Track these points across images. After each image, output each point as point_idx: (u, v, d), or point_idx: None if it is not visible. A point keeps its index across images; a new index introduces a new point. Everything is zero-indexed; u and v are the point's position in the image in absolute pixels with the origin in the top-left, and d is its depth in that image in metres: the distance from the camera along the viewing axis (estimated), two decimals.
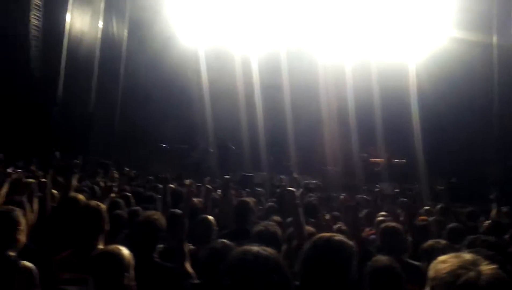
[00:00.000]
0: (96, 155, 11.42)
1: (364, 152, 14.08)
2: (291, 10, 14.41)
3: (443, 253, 1.72)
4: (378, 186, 6.93)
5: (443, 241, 3.14)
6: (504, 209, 5.85)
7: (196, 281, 2.85)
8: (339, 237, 2.14)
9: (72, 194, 4.21)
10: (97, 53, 12.92)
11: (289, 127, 14.21)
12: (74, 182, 4.79)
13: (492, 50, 12.65)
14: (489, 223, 4.34)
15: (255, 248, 1.63)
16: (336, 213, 6.02)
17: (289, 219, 4.05)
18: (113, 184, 5.23)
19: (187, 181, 4.59)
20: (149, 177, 8.84)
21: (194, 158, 13.99)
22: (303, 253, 2.15)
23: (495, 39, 12.58)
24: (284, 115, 14.37)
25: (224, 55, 14.93)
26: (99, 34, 13.07)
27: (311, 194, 6.96)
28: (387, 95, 13.94)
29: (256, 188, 8.44)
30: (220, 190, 6.30)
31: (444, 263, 1.22)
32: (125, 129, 13.83)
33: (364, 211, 5.76)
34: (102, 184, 5.64)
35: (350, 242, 2.13)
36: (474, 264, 1.17)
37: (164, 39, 14.60)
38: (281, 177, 11.55)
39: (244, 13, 14.65)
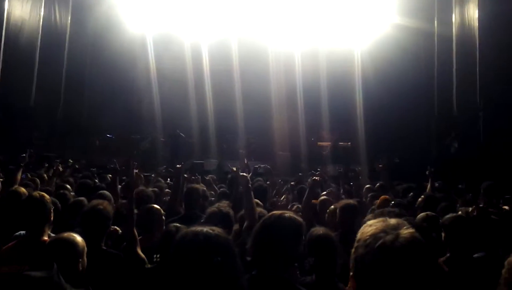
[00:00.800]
0: (40, 148, 11.00)
1: (312, 136, 14.50)
2: None
3: None
4: (318, 169, 7.22)
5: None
6: (437, 183, 6.28)
7: (148, 265, 2.93)
8: (288, 213, 2.31)
9: (15, 187, 4.12)
10: (39, 41, 12.29)
11: (239, 114, 14.32)
12: (18, 176, 4.68)
13: (433, 37, 13.27)
14: (423, 197, 4.67)
15: (203, 228, 1.69)
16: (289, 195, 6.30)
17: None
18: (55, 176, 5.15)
19: (136, 170, 4.57)
20: (92, 169, 8.65)
21: (144, 147, 13.79)
22: (255, 229, 2.31)
23: (436, 27, 13.19)
24: (234, 102, 14.46)
25: (172, 41, 14.71)
26: (41, 22, 12.42)
27: (259, 178, 7.14)
28: (334, 80, 14.40)
29: (206, 175, 8.51)
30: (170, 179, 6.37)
31: (369, 226, 1.30)
32: (69, 120, 13.35)
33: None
34: (45, 177, 5.53)
35: (299, 218, 2.30)
36: (395, 228, 1.25)
37: (108, 25, 14.15)
38: (231, 164, 11.73)
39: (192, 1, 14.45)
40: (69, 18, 13.90)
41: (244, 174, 3.95)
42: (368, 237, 1.27)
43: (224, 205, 3.61)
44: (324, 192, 5.78)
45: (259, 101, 14.35)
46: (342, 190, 6.60)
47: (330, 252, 2.62)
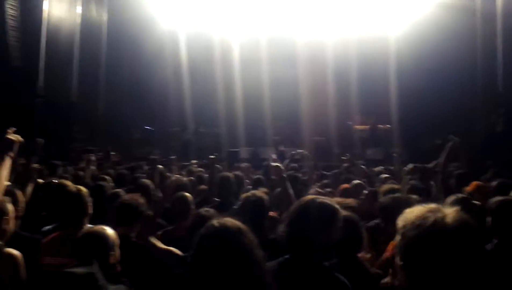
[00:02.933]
0: (81, 142, 11.40)
1: (347, 120, 14.24)
2: None
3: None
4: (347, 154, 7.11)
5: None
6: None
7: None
8: (321, 198, 2.29)
9: (56, 180, 4.28)
10: (77, 39, 12.68)
11: (269, 101, 14.25)
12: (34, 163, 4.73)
13: (475, 13, 12.62)
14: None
15: (222, 220, 1.74)
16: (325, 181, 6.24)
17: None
18: (93, 168, 5.31)
19: (174, 161, 4.67)
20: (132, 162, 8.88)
21: (185, 138, 14.02)
22: (288, 214, 2.32)
23: (478, 4, 12.53)
24: (264, 90, 14.39)
25: (202, 34, 14.79)
26: (78, 20, 12.79)
27: (294, 164, 7.10)
28: (367, 63, 14.00)
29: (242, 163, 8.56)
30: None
31: (411, 212, 1.31)
32: (109, 115, 13.74)
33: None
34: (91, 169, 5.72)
35: (333, 203, 2.28)
36: (439, 209, 1.28)
37: (144, 22, 14.37)
38: (265, 151, 11.77)
39: None
40: (105, 15, 14.25)
41: (277, 164, 3.92)
42: (415, 219, 1.27)
43: (259, 191, 3.58)
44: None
45: (289, 87, 14.23)
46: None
47: (355, 234, 2.61)
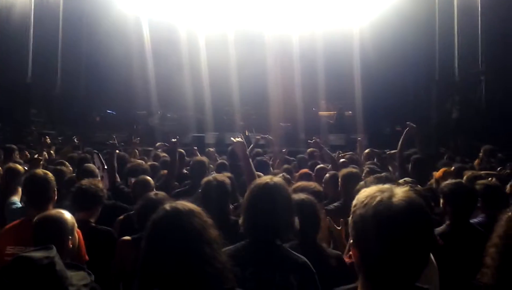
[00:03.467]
0: (38, 125, 10.99)
1: (311, 106, 14.42)
2: None
3: None
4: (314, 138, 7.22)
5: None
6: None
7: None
8: (275, 179, 2.29)
9: (12, 164, 4.13)
10: (32, 17, 12.06)
11: (236, 87, 14.20)
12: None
13: (434, 2, 12.96)
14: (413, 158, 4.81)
15: (174, 203, 1.74)
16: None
17: None
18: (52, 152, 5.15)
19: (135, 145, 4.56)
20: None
21: (151, 123, 13.76)
22: (244, 199, 2.32)
23: None
24: (230, 75, 14.31)
25: (168, 21, 14.45)
26: None
27: (258, 150, 7.15)
28: (331, 49, 14.15)
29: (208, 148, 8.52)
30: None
31: (364, 191, 1.34)
32: (67, 96, 13.26)
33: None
34: (45, 154, 5.53)
35: (286, 185, 2.29)
36: (390, 189, 1.29)
37: (103, 1, 13.86)
38: (231, 136, 11.70)
39: None
40: None
41: (239, 139, 3.89)
42: (364, 198, 1.29)
43: (221, 175, 3.57)
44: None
45: (256, 72, 14.19)
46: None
47: (313, 216, 2.65)
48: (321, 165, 5.42)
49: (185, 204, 1.75)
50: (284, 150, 7.76)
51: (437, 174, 4.60)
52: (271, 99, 14.25)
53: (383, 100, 12.85)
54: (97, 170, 4.27)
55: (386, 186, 1.31)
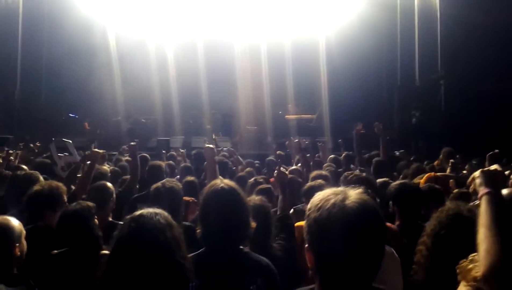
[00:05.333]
0: None
1: (278, 110, 14.51)
2: None
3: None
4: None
5: (320, 181, 3.48)
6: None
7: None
8: (229, 184, 2.25)
9: None
10: None
11: (204, 90, 14.13)
12: None
13: (395, 10, 13.35)
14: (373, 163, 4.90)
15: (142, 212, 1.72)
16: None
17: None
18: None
19: (95, 149, 4.38)
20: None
21: (126, 128, 13.43)
22: (200, 205, 2.29)
23: (398, 0, 13.25)
24: (199, 79, 14.22)
25: (135, 24, 14.19)
26: None
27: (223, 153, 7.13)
28: (298, 54, 14.30)
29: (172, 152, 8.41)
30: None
31: (318, 195, 1.35)
32: (27, 100, 12.80)
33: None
34: None
35: (239, 189, 2.27)
36: (343, 191, 1.31)
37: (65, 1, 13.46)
38: (197, 140, 11.70)
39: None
40: None
41: (210, 145, 3.87)
42: (318, 201, 1.30)
43: (171, 179, 3.48)
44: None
45: (224, 76, 14.18)
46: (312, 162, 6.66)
47: (265, 219, 2.66)
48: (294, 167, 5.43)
49: (150, 217, 1.70)
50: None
51: (422, 181, 4.67)
52: (239, 104, 14.26)
53: (347, 104, 13.10)
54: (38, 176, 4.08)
55: (340, 189, 1.32)
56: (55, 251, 2.59)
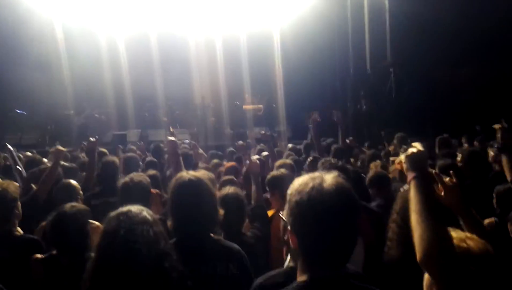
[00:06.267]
0: None
1: (235, 100, 14.55)
2: None
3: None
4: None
5: (282, 170, 3.63)
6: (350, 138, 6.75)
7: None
8: (196, 174, 2.30)
9: None
10: None
11: (159, 82, 13.88)
12: None
13: (346, 2, 13.69)
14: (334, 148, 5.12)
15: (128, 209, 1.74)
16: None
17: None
18: None
19: (59, 147, 4.21)
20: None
21: (79, 122, 12.93)
22: (169, 196, 2.31)
23: None
24: (153, 70, 13.95)
25: (85, 18, 13.62)
26: None
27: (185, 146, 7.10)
28: (254, 45, 14.36)
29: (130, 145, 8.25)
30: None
31: (297, 180, 1.43)
32: None
33: None
34: None
35: (207, 179, 2.32)
36: (320, 176, 1.40)
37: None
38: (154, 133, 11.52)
39: None
40: None
41: (172, 138, 3.84)
42: (298, 186, 1.39)
43: (138, 174, 3.39)
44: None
45: (180, 68, 13.99)
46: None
47: (238, 209, 2.74)
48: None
49: (138, 211, 1.73)
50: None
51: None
52: (195, 95, 14.15)
53: (302, 93, 13.35)
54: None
55: (317, 173, 1.41)
56: (39, 255, 2.49)
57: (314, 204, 1.32)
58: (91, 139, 4.67)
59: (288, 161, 4.49)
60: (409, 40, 11.10)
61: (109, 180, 4.03)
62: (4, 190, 2.88)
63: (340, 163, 3.75)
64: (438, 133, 6.23)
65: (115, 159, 4.67)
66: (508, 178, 3.12)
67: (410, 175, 1.55)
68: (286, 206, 1.40)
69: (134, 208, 1.74)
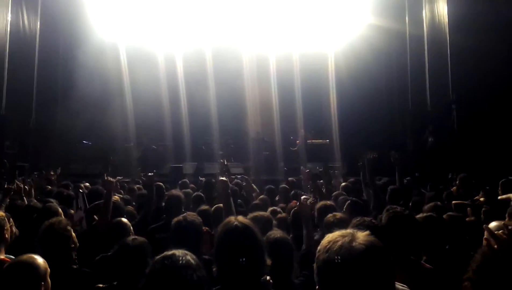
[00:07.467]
0: (12, 157, 10.71)
1: (289, 135, 14.53)
2: (212, 6, 14.25)
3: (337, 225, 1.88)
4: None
5: (338, 214, 3.38)
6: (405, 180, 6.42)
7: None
8: (243, 221, 2.26)
9: None
10: (7, 47, 11.88)
11: (214, 116, 14.27)
12: None
13: (405, 36, 13.51)
14: (388, 191, 4.77)
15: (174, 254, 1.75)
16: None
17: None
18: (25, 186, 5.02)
19: (108, 178, 4.39)
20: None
21: (138, 155, 13.56)
22: (215, 244, 2.28)
23: (407, 25, 13.43)
24: (209, 105, 14.39)
25: (145, 49, 14.51)
26: (8, 28, 12.01)
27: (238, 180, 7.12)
28: (308, 81, 14.56)
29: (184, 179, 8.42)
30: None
31: (328, 236, 1.39)
32: (42, 128, 12.99)
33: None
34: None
35: (253, 225, 2.28)
36: (351, 233, 1.34)
37: (79, 31, 13.85)
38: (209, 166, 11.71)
39: (165, 10, 14.21)
40: (38, 23, 13.54)
41: (223, 178, 3.87)
42: (327, 243, 1.34)
43: (191, 213, 3.45)
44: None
45: (234, 103, 14.32)
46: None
47: (286, 254, 2.67)
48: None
49: (182, 255, 1.76)
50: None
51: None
52: (249, 128, 14.34)
53: (358, 129, 13.10)
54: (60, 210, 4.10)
55: (348, 231, 1.36)
56: (101, 285, 2.60)
57: (341, 265, 1.27)
58: (149, 174, 4.83)
59: (329, 202, 4.32)
60: (472, 75, 10.64)
61: (173, 214, 4.09)
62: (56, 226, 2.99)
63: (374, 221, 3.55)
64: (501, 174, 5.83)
65: (180, 193, 4.78)
66: None
67: None
68: (315, 264, 1.36)
69: (179, 252, 1.77)
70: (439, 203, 4.38)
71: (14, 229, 3.39)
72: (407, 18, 13.49)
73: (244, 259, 2.10)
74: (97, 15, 14.15)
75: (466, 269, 1.88)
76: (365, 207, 4.76)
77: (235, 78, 14.43)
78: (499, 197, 5.22)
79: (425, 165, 11.02)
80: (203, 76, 14.62)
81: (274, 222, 4.53)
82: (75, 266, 2.99)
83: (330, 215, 3.33)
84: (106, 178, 4.27)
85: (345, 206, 4.12)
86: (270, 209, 4.87)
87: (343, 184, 6.65)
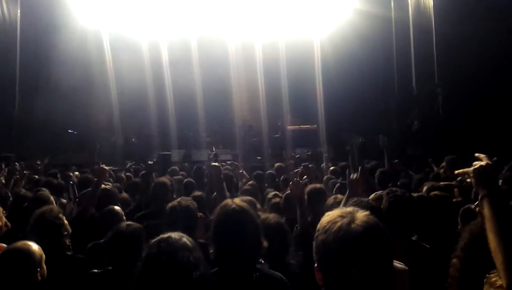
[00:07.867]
0: None
1: (276, 121, 14.55)
2: None
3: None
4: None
5: (340, 196, 3.36)
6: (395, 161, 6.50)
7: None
8: (239, 204, 2.27)
9: None
10: None
11: (200, 104, 14.20)
12: None
13: (390, 21, 13.54)
14: (378, 173, 4.83)
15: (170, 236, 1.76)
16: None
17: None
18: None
19: (102, 166, 4.34)
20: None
21: (120, 144, 13.43)
22: (212, 226, 2.28)
23: (393, 12, 13.46)
24: (195, 93, 14.30)
25: (128, 37, 14.28)
26: None
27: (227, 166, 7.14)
28: (294, 66, 14.53)
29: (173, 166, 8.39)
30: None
31: (327, 215, 1.37)
32: (26, 119, 12.76)
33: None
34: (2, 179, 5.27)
35: (250, 208, 2.29)
36: (350, 213, 1.32)
37: (61, 19, 13.53)
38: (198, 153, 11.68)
39: None
40: (19, 12, 13.20)
41: (215, 163, 3.85)
42: (326, 223, 1.32)
43: (186, 198, 3.44)
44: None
45: (220, 90, 14.26)
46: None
47: (281, 236, 2.71)
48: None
49: (178, 238, 1.76)
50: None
51: None
52: (236, 115, 14.32)
53: (344, 113, 13.18)
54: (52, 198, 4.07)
55: (348, 209, 1.35)
56: (96, 270, 2.62)
57: (340, 245, 1.26)
58: (149, 162, 4.84)
59: (319, 185, 4.36)
60: (457, 59, 10.75)
61: (160, 200, 4.11)
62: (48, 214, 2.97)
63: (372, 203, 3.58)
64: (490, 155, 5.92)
65: (166, 180, 4.75)
66: None
67: (481, 193, 1.41)
68: (314, 243, 1.35)
69: (174, 235, 1.77)
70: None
71: (4, 219, 3.35)
72: (392, 3, 13.54)
73: (242, 240, 2.12)
74: (78, 2, 13.84)
75: (454, 247, 1.94)
76: (395, 175, 4.89)
77: (221, 65, 14.33)
78: (456, 172, 5.33)
79: (410, 149, 11.16)
80: (188, 63, 14.47)
81: (264, 207, 4.59)
82: (69, 253, 2.99)
83: (331, 197, 3.36)
84: (100, 165, 4.23)
85: (376, 175, 4.22)
86: (272, 193, 4.89)
87: (332, 168, 6.69)
